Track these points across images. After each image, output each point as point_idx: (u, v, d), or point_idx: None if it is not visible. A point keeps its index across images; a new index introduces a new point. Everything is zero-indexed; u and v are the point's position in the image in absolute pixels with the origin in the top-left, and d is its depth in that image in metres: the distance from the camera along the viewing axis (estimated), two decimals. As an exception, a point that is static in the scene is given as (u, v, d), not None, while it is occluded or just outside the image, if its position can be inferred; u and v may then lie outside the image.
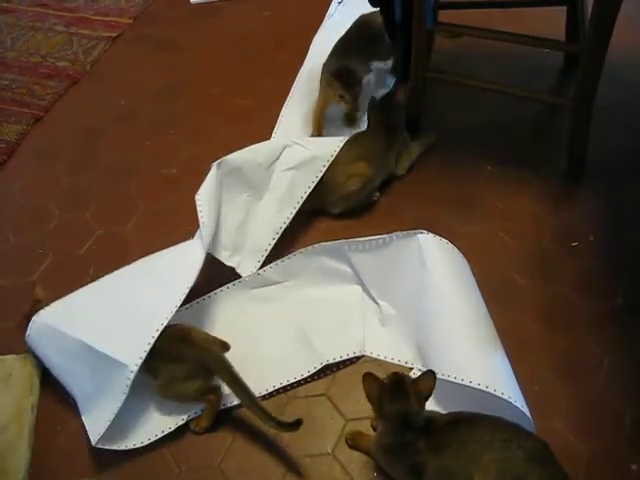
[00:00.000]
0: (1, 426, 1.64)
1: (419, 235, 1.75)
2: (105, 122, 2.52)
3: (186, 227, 2.01)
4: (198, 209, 1.81)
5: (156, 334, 1.58)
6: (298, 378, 1.69)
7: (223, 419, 1.65)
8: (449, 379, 1.50)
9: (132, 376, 1.54)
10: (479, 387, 1.46)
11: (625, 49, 2.18)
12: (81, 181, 2.30)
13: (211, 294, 1.87)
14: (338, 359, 1.71)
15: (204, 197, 1.84)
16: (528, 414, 1.45)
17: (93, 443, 1.57)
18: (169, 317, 1.61)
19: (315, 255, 1.88)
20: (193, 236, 1.89)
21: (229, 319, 1.84)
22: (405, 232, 1.78)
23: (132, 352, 1.57)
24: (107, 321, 1.66)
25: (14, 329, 1.82)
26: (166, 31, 2.93)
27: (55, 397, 1.72)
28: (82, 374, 1.64)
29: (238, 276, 1.90)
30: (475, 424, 1.38)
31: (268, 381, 1.69)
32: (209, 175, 1.89)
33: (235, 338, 1.79)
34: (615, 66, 1.96)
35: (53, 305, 1.73)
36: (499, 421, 1.39)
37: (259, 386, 1.68)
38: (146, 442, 1.61)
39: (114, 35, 2.92)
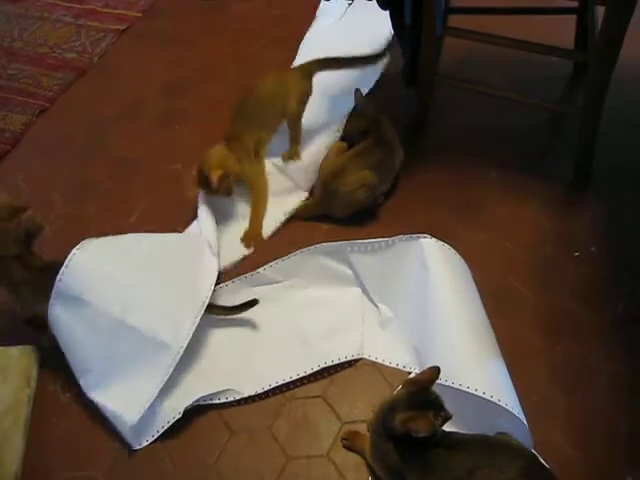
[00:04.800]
0: (-4, 417, 1.64)
1: (422, 239, 1.75)
2: (110, 115, 2.51)
3: (189, 223, 2.02)
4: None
5: (199, 315, 1.67)
6: (294, 378, 1.69)
7: (218, 418, 1.65)
8: (447, 384, 1.49)
9: (178, 358, 1.60)
10: (476, 393, 1.46)
11: (634, 58, 2.17)
12: (85, 174, 2.30)
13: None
14: (336, 361, 1.70)
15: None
16: (525, 422, 1.44)
17: (130, 424, 1.58)
18: (208, 296, 1.73)
19: (316, 255, 1.88)
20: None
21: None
22: (408, 236, 1.77)
23: (176, 333, 1.63)
24: (144, 299, 1.68)
25: (14, 320, 1.83)
26: (174, 26, 2.92)
27: (52, 390, 1.72)
28: (116, 353, 1.65)
29: (239, 273, 1.91)
30: (463, 446, 1.37)
31: (265, 379, 1.69)
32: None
33: (234, 335, 1.81)
34: (624, 75, 1.95)
35: (76, 267, 1.63)
36: (487, 440, 1.39)
37: (257, 383, 1.68)
38: (155, 436, 1.62)
39: (122, 28, 2.92)
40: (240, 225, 2.05)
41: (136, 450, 1.60)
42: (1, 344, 1.79)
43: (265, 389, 1.68)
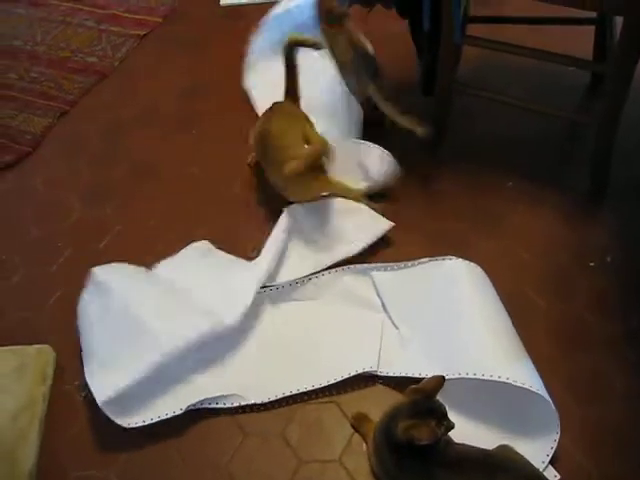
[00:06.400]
0: (12, 415, 1.65)
1: (447, 261, 1.78)
2: (130, 119, 2.54)
3: (205, 228, 2.04)
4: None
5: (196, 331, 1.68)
6: (302, 390, 1.68)
7: (232, 421, 1.66)
8: (483, 378, 1.51)
9: (162, 359, 1.61)
10: (515, 383, 1.48)
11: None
12: (103, 176, 2.32)
13: None
14: (346, 376, 1.69)
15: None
16: (554, 410, 1.50)
17: (99, 403, 1.59)
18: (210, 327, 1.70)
19: (342, 277, 1.89)
20: (211, 238, 1.99)
21: (247, 324, 1.83)
22: (433, 258, 1.81)
23: (171, 337, 1.65)
24: (160, 302, 1.77)
25: (34, 319, 1.86)
26: (194, 31, 2.94)
27: (67, 389, 1.74)
28: (115, 335, 1.70)
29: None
30: (460, 466, 1.38)
31: (273, 389, 1.69)
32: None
33: (245, 341, 1.81)
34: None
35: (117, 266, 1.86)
36: (488, 458, 1.40)
37: (263, 392, 1.68)
38: (149, 421, 1.62)
39: (143, 33, 2.95)
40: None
41: (148, 449, 1.62)
42: (18, 343, 1.81)
43: (271, 399, 1.67)
